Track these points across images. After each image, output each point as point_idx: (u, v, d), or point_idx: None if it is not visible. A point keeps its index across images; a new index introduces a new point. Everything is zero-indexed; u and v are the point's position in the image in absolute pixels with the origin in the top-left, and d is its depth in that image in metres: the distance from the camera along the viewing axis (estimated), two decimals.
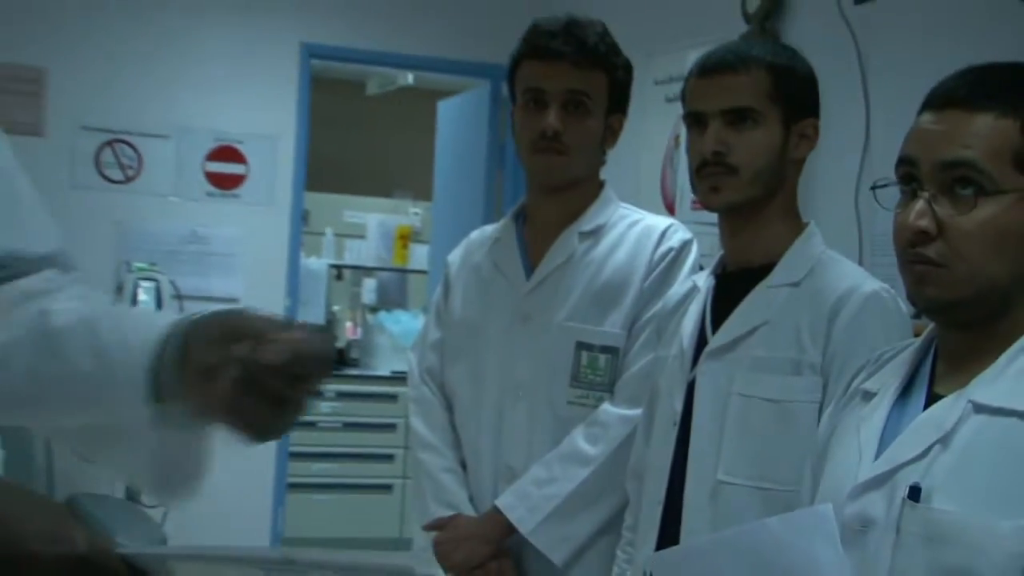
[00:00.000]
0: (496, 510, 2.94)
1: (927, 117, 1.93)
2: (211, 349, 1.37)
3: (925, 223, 1.86)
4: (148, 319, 1.50)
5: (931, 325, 2.02)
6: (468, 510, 3.02)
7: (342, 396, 8.52)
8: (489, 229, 3.28)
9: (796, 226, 2.68)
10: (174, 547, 1.34)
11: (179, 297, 5.13)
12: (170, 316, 1.47)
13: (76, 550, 1.20)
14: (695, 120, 2.65)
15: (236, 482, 5.26)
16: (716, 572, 1.90)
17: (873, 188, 2.10)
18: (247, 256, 5.87)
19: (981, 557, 1.74)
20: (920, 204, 1.87)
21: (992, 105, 1.87)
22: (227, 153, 5.86)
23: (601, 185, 3.14)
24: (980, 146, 1.85)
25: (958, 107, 1.89)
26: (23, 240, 1.54)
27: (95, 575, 1.21)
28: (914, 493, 1.81)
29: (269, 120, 5.92)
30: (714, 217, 2.75)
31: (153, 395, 1.41)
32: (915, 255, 1.88)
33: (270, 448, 5.83)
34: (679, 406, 2.64)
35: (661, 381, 2.75)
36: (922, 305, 1.93)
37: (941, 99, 1.93)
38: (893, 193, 1.98)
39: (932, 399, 1.92)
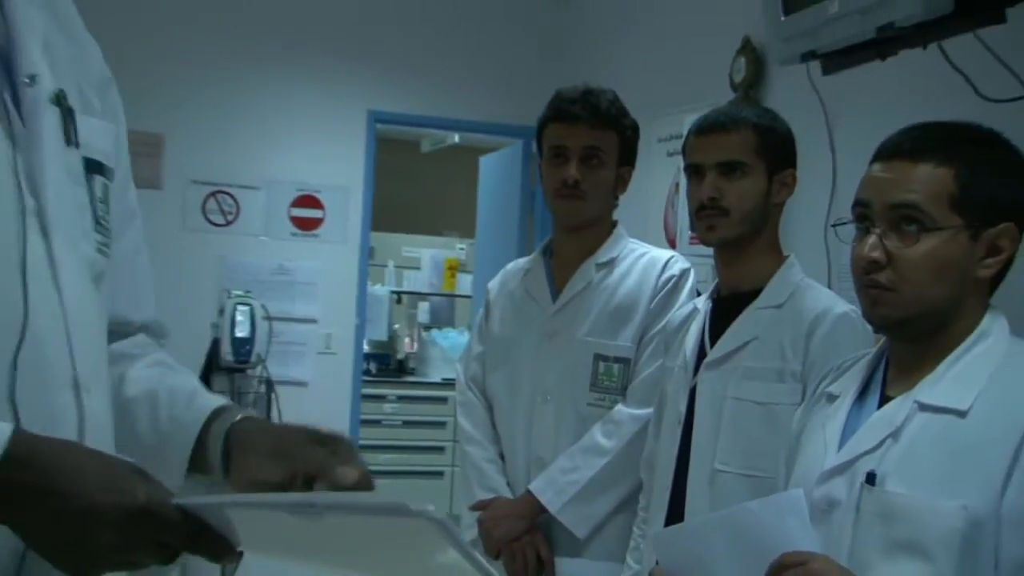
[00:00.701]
0: (529, 493, 2.95)
1: (877, 166, 1.95)
2: (263, 466, 1.34)
3: (877, 254, 1.88)
4: (197, 401, 1.45)
5: (883, 339, 2.03)
6: (506, 493, 3.04)
7: (401, 399, 8.56)
8: (522, 261, 3.30)
9: (778, 258, 2.68)
10: (218, 496, 1.27)
11: (269, 318, 5.14)
12: (217, 399, 1.46)
13: (136, 501, 1.14)
14: (694, 171, 2.66)
15: None
16: (709, 546, 1.88)
17: (834, 226, 2.11)
18: (324, 284, 5.86)
19: (927, 531, 1.75)
20: (872, 239, 1.89)
21: (931, 156, 1.89)
22: (308, 201, 5.86)
23: (614, 224, 3.14)
24: (922, 190, 1.87)
25: (903, 158, 1.91)
26: (133, 309, 1.55)
27: (155, 523, 1.15)
28: (870, 478, 1.84)
29: (342, 173, 5.92)
30: (709, 250, 2.77)
31: (190, 468, 1.41)
32: (869, 281, 1.90)
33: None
34: (683, 408, 2.66)
35: (668, 387, 2.76)
36: (875, 322, 1.96)
37: (889, 151, 1.95)
38: (851, 230, 1.98)
39: (884, 400, 1.95)
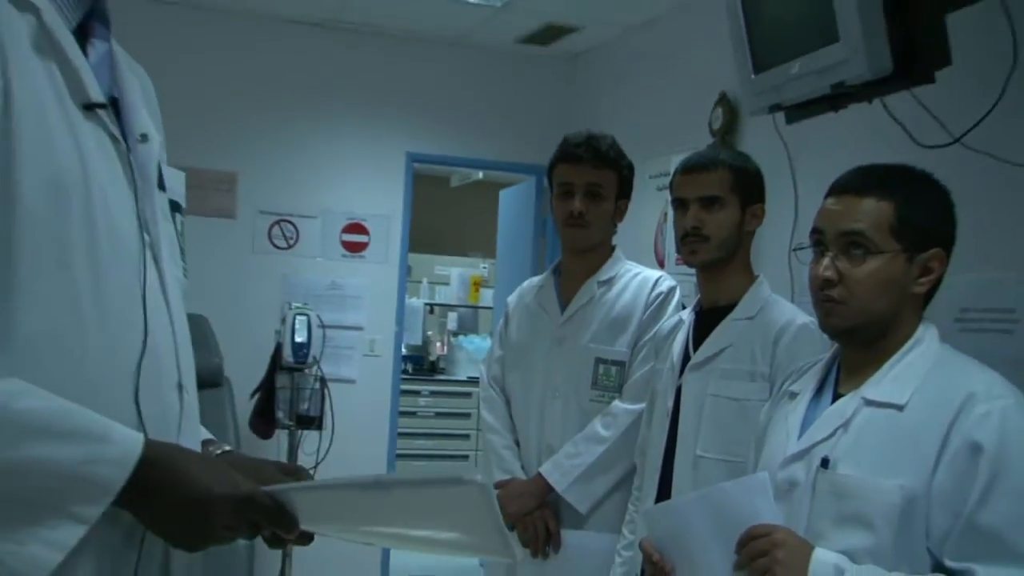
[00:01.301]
0: (540, 475, 2.96)
1: (830, 200, 1.96)
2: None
3: (830, 273, 1.89)
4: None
5: (835, 345, 2.03)
6: (520, 474, 3.04)
7: (433, 394, 8.57)
8: (536, 279, 3.30)
9: (750, 277, 2.69)
10: (299, 483, 1.30)
11: (323, 326, 5.13)
12: (205, 434, 1.47)
13: (243, 491, 1.21)
14: (679, 204, 2.67)
15: (360, 454, 5.30)
16: (690, 520, 1.92)
17: (795, 250, 2.13)
18: (369, 298, 5.85)
19: (871, 507, 1.77)
20: (826, 260, 1.91)
21: (874, 192, 1.90)
22: (356, 227, 5.85)
23: (613, 248, 3.14)
24: (867, 221, 1.88)
25: (851, 193, 1.93)
26: None
27: (255, 508, 1.21)
28: (825, 463, 1.85)
29: (384, 204, 5.90)
30: (692, 269, 2.76)
31: None
32: (824, 296, 1.91)
33: (384, 430, 5.85)
34: (671, 404, 2.66)
35: (658, 386, 2.76)
36: (829, 331, 1.97)
37: (839, 188, 1.96)
38: (809, 253, 1.99)
39: (836, 397, 1.96)
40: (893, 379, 1.86)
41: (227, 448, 1.46)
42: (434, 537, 1.34)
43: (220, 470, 1.22)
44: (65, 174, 1.18)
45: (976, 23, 2.83)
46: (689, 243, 2.64)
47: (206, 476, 1.19)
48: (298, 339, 5.01)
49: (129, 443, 1.15)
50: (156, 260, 1.31)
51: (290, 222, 5.74)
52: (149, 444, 1.17)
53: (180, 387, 1.33)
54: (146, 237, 1.30)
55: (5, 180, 1.13)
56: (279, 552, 4.96)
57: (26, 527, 1.09)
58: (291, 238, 5.75)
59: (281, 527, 1.23)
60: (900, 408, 1.81)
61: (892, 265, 1.88)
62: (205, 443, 1.44)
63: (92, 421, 1.15)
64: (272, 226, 5.71)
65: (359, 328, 5.82)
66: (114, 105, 1.31)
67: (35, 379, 1.13)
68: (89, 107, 1.23)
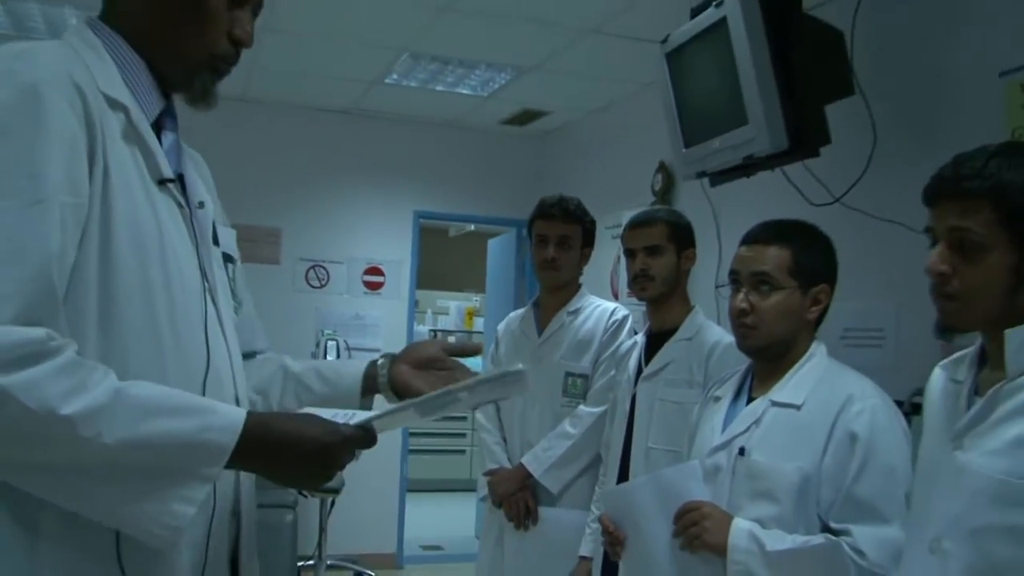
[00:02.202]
0: (521, 464, 2.96)
1: (743, 248, 1.97)
2: (416, 376, 1.43)
3: (744, 305, 1.90)
4: (352, 362, 1.49)
5: (749, 360, 2.04)
6: (506, 464, 3.03)
7: None
8: (519, 311, 3.29)
9: (688, 307, 2.70)
10: (383, 409, 1.25)
11: (348, 349, 5.15)
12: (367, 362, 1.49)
13: (343, 433, 1.17)
14: (629, 253, 2.69)
15: (380, 447, 5.29)
16: (637, 499, 1.92)
17: (718, 287, 2.15)
18: (384, 327, 5.83)
19: (776, 485, 1.78)
20: (741, 295, 1.92)
21: (776, 241, 1.92)
22: (374, 270, 5.84)
23: (580, 286, 3.13)
24: (771, 264, 1.89)
25: (758, 242, 1.94)
26: (260, 341, 1.56)
27: (355, 443, 1.18)
28: (741, 452, 1.85)
29: (396, 251, 5.90)
30: (642, 302, 2.78)
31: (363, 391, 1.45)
32: (740, 323, 1.92)
33: (398, 430, 5.77)
34: (627, 407, 2.67)
35: (618, 394, 2.75)
36: (744, 350, 1.97)
37: (749, 238, 1.98)
38: (728, 289, 2.01)
39: (750, 400, 1.95)
40: (793, 386, 1.87)
41: (387, 356, 1.48)
42: (478, 401, 1.36)
43: (319, 421, 1.19)
44: (145, 233, 1.19)
45: (846, 112, 2.89)
46: (639, 282, 2.66)
47: (310, 430, 1.16)
48: (330, 359, 5.02)
49: (234, 413, 1.15)
50: (214, 299, 1.31)
51: (322, 267, 5.73)
52: (251, 413, 1.16)
53: (236, 399, 1.32)
54: (206, 283, 1.30)
55: (105, 236, 1.15)
56: (316, 523, 4.95)
57: (166, 488, 1.09)
58: (323, 279, 5.74)
59: (369, 447, 1.21)
60: (798, 408, 1.83)
61: (791, 298, 1.89)
62: (368, 370, 1.46)
63: (198, 399, 1.16)
64: (308, 270, 5.70)
65: (377, 350, 5.67)
66: (180, 180, 1.32)
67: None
68: (162, 182, 1.25)
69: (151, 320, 1.19)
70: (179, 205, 1.28)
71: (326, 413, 1.22)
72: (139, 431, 1.07)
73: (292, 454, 1.15)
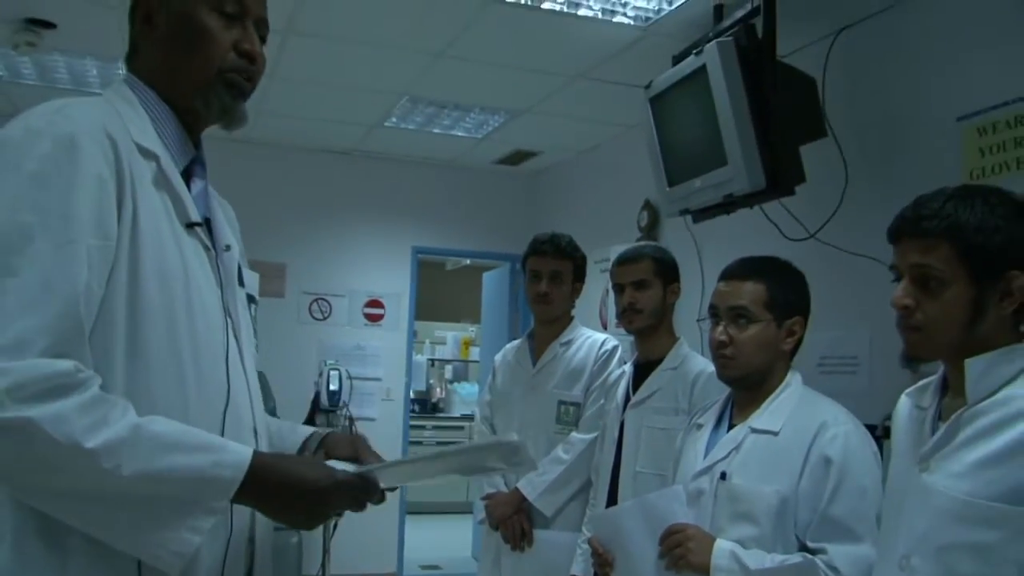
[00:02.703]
0: (516, 488, 2.93)
1: (721, 284, 1.98)
2: (341, 448, 1.38)
3: (723, 338, 1.91)
4: (299, 428, 1.49)
5: (729, 388, 2.03)
6: (503, 488, 3.00)
7: (435, 427, 8.45)
8: (515, 342, 3.27)
9: (673, 339, 2.69)
10: (383, 464, 1.28)
11: (350, 378, 5.09)
12: (309, 429, 1.48)
13: (340, 479, 1.20)
14: (617, 288, 2.68)
15: None
16: (624, 522, 1.92)
17: (698, 320, 2.17)
18: (385, 356, 5.82)
19: (756, 507, 1.78)
20: (720, 328, 1.92)
21: (752, 276, 1.93)
22: (374, 303, 5.84)
23: (572, 318, 3.11)
24: (747, 298, 1.90)
25: (735, 278, 1.95)
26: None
27: (354, 489, 1.22)
28: (723, 476, 1.85)
29: (395, 285, 5.90)
30: (630, 334, 2.75)
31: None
32: (719, 354, 1.93)
33: (398, 456, 5.64)
34: (616, 434, 2.65)
35: (607, 421, 2.74)
36: (723, 380, 1.97)
37: (727, 274, 1.98)
38: (708, 322, 2.01)
39: (731, 427, 1.94)
40: (770, 413, 1.88)
41: (332, 430, 1.47)
42: (475, 467, 1.38)
43: (319, 467, 1.22)
44: (171, 272, 1.22)
45: (820, 153, 2.93)
46: (627, 316, 2.65)
47: (311, 474, 1.19)
48: (332, 388, 4.98)
49: (242, 452, 1.17)
50: (236, 336, 1.32)
51: (325, 300, 5.74)
52: (257, 453, 1.18)
53: (255, 431, 1.33)
54: (229, 320, 1.31)
55: (133, 274, 1.17)
56: (320, 545, 4.92)
57: (177, 518, 1.12)
58: (326, 312, 5.74)
59: (371, 498, 1.24)
60: (775, 434, 1.83)
61: (767, 330, 1.90)
62: (314, 434, 1.44)
63: (211, 437, 1.18)
64: (312, 303, 5.71)
65: (378, 379, 5.78)
66: (207, 224, 1.33)
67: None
68: (190, 225, 1.27)
69: (175, 354, 1.20)
70: (205, 247, 1.30)
71: (337, 464, 1.25)
72: (154, 465, 1.10)
73: (289, 495, 1.18)
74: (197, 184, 1.35)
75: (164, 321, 1.20)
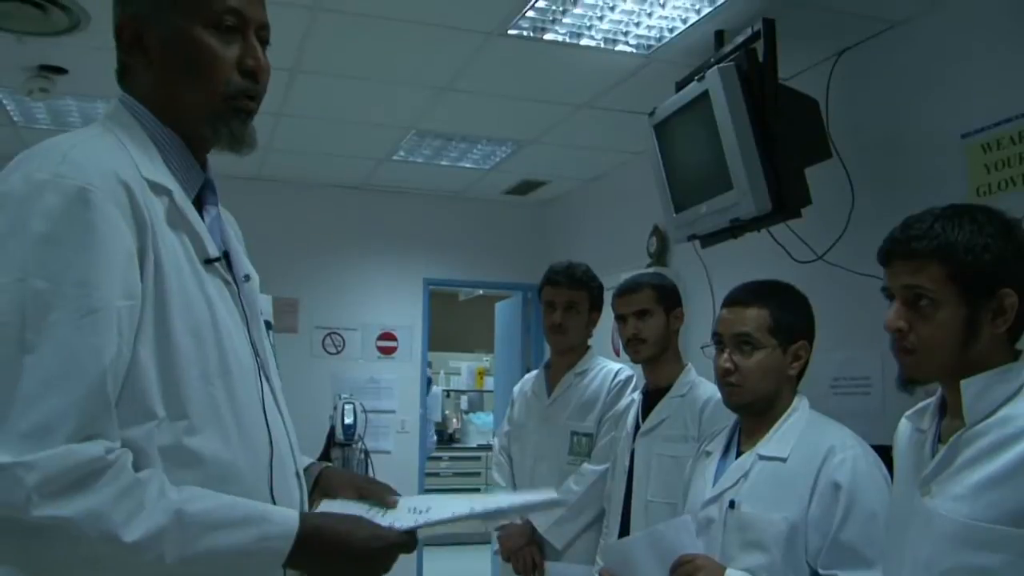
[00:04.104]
0: (528, 521, 2.93)
1: (724, 310, 1.99)
2: (344, 490, 1.34)
3: (729, 365, 1.92)
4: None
5: (736, 415, 2.04)
6: (517, 520, 2.97)
7: (451, 458, 8.44)
8: (533, 373, 3.28)
9: (680, 365, 2.71)
10: (429, 519, 1.23)
11: (365, 411, 5.07)
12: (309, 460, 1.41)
13: (390, 539, 1.17)
14: (620, 318, 2.70)
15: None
16: (635, 553, 1.92)
17: (703, 347, 2.17)
18: (399, 388, 5.82)
19: (765, 534, 1.78)
20: (725, 355, 1.93)
21: (755, 303, 1.94)
22: (387, 335, 5.85)
23: (589, 347, 3.11)
24: (751, 325, 1.91)
25: (739, 305, 1.96)
26: None
27: (400, 548, 1.18)
28: (732, 504, 1.86)
29: (408, 316, 5.90)
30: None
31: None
32: (725, 381, 1.94)
33: (414, 489, 5.75)
34: (627, 462, 2.66)
35: (618, 450, 2.75)
36: (730, 407, 1.98)
37: (730, 300, 2.00)
38: (713, 350, 2.02)
39: (739, 454, 1.95)
40: (778, 439, 1.88)
41: (328, 464, 1.42)
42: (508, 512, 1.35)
43: (365, 525, 1.18)
44: (199, 318, 1.15)
45: (826, 175, 2.94)
46: (632, 346, 2.67)
47: (358, 535, 1.16)
48: (347, 421, 4.97)
49: (288, 520, 1.12)
50: (267, 376, 1.26)
51: (338, 334, 5.75)
52: (303, 518, 1.14)
53: (298, 475, 1.28)
54: (258, 359, 1.25)
55: (161, 328, 1.10)
56: None
57: None
58: (339, 346, 5.75)
59: (410, 552, 1.21)
60: (783, 460, 1.83)
61: (772, 356, 1.91)
62: (310, 466, 1.38)
63: (254, 508, 1.12)
64: (325, 337, 5.72)
65: (392, 412, 5.77)
66: (225, 256, 1.27)
67: (203, 481, 1.11)
68: (209, 261, 1.20)
69: (214, 408, 1.14)
70: (226, 282, 1.24)
71: (361, 509, 1.23)
72: (199, 548, 1.05)
73: (342, 558, 1.15)
74: (210, 212, 1.28)
75: (199, 375, 1.13)
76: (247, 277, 1.31)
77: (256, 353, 1.25)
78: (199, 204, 1.26)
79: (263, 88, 1.26)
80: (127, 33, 1.22)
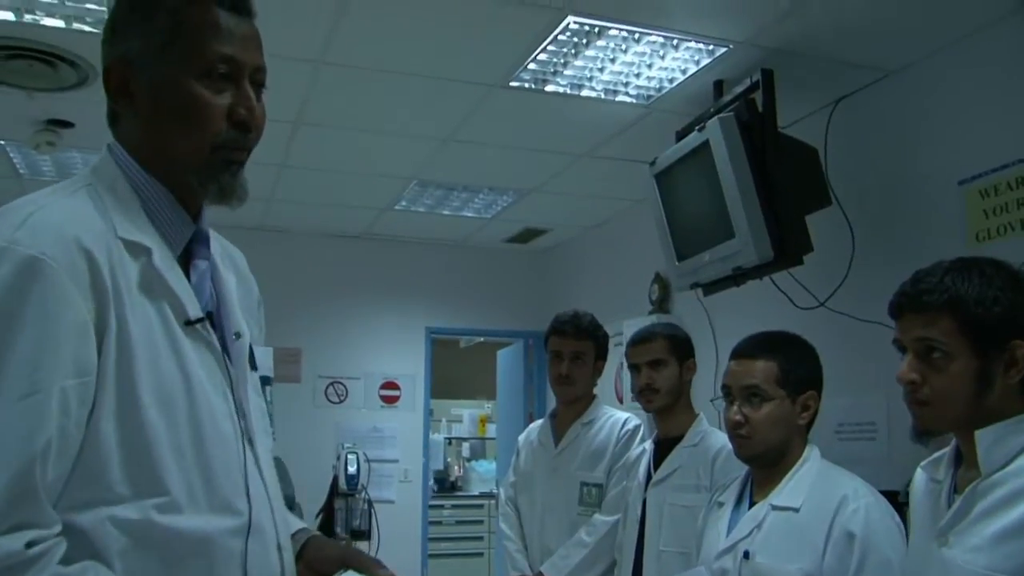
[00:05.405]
0: (540, 572, 2.92)
1: (733, 363, 2.00)
2: (329, 561, 1.27)
3: (739, 417, 1.92)
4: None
5: (747, 466, 2.04)
6: (527, 571, 2.99)
7: (454, 507, 8.29)
8: (539, 422, 3.27)
9: (692, 415, 2.71)
10: None
11: (368, 461, 5.03)
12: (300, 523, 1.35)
13: (373, 559, 1.15)
14: (634, 368, 2.70)
15: (400, 556, 5.18)
16: None
17: (712, 400, 2.17)
18: (402, 437, 5.79)
19: None
20: (735, 407, 1.94)
21: (763, 355, 1.95)
22: (390, 385, 5.84)
23: (595, 396, 3.10)
24: (760, 376, 1.92)
25: (747, 357, 1.96)
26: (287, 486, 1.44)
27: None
28: (746, 555, 1.85)
29: (410, 366, 5.90)
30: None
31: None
32: (736, 433, 1.94)
33: (418, 537, 5.71)
34: (639, 512, 2.65)
35: (629, 499, 2.74)
36: (741, 459, 1.99)
37: (738, 352, 2.00)
38: (722, 402, 2.03)
39: (751, 504, 1.95)
40: (790, 490, 1.88)
41: (315, 534, 1.34)
42: None
43: (343, 547, 1.14)
44: (171, 390, 1.08)
45: (826, 222, 2.96)
46: (645, 395, 2.67)
47: (335, 550, 1.12)
48: (350, 471, 4.93)
49: None
50: (251, 441, 1.18)
51: (341, 383, 5.74)
52: None
53: (279, 547, 1.19)
54: (241, 423, 1.17)
55: (131, 400, 1.04)
56: None
57: None
58: (342, 395, 5.73)
59: None
60: (796, 510, 1.83)
61: (781, 407, 1.92)
62: (297, 532, 1.30)
63: None
64: (327, 386, 5.71)
65: (395, 461, 5.74)
66: (210, 317, 1.18)
67: (170, 558, 1.06)
68: (190, 323, 1.13)
69: (185, 485, 1.08)
70: (208, 344, 1.16)
71: None
72: None
73: None
74: (199, 267, 1.21)
75: (170, 448, 1.07)
76: (238, 335, 1.23)
77: (242, 415, 1.18)
78: (188, 257, 1.20)
79: (256, 137, 1.19)
80: (114, 77, 1.16)
